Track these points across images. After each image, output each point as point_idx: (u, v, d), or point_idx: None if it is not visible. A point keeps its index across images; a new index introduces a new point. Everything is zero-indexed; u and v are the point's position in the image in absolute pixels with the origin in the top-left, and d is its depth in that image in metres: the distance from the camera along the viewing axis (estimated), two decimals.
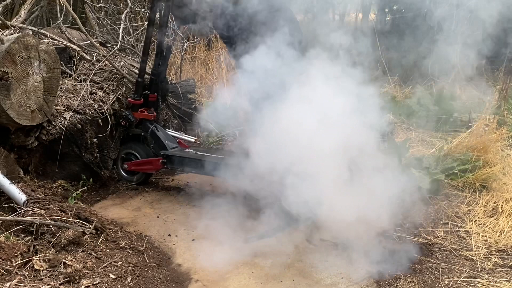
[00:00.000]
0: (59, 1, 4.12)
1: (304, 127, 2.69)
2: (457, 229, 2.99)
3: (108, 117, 3.51)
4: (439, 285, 2.40)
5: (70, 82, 3.62)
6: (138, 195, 3.45)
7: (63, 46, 3.80)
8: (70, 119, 3.25)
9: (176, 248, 2.72)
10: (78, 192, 3.20)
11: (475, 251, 2.73)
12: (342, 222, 2.64)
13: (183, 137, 3.82)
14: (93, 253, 2.40)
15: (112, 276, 2.29)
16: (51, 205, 2.59)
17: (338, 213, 2.64)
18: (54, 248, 2.34)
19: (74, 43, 3.89)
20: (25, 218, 2.44)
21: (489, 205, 3.20)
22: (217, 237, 2.84)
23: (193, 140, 3.88)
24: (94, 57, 3.92)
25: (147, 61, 3.50)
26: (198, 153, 3.42)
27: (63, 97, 3.39)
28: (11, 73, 2.77)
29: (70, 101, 3.40)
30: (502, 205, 3.15)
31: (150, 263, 2.51)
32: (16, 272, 2.14)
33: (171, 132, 3.82)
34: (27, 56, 2.88)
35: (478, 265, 2.59)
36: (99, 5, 4.90)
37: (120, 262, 2.41)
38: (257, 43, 2.88)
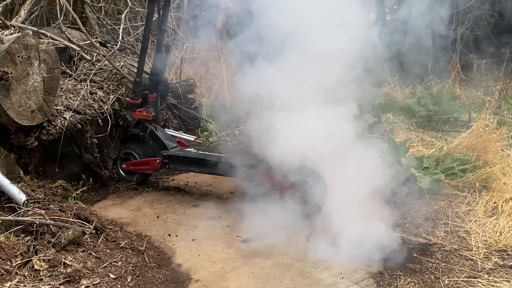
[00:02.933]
0: (59, 1, 4.12)
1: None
2: (457, 229, 2.99)
3: (108, 117, 3.50)
4: (439, 285, 2.40)
5: (70, 82, 3.62)
6: (138, 195, 3.45)
7: (63, 46, 3.80)
8: (70, 119, 3.25)
9: (176, 248, 2.72)
10: (78, 192, 3.20)
11: (475, 251, 2.73)
12: None
13: (182, 136, 3.81)
14: (93, 253, 2.40)
15: (112, 276, 2.29)
16: (51, 205, 2.59)
17: None
18: (54, 248, 2.34)
19: (74, 43, 3.89)
20: (25, 218, 2.44)
21: (489, 205, 3.20)
22: (217, 237, 2.84)
23: (193, 139, 3.87)
24: (94, 57, 3.91)
25: (144, 60, 3.49)
26: (200, 152, 3.41)
27: (63, 97, 3.39)
28: (11, 73, 2.77)
29: (70, 101, 3.39)
30: (502, 205, 3.15)
31: (150, 263, 2.51)
32: (16, 272, 2.14)
33: (170, 131, 3.81)
34: (27, 56, 2.88)
35: (478, 265, 2.59)
36: (99, 5, 4.90)
37: (120, 262, 2.41)
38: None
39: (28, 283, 2.10)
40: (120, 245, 2.56)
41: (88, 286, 2.18)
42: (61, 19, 4.00)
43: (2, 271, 2.11)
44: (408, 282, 2.42)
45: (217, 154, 3.36)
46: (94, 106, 3.47)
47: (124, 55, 4.29)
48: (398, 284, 2.41)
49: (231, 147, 3.67)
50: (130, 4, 4.69)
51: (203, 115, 4.75)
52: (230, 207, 3.22)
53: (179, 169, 3.65)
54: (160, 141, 3.44)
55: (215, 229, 2.93)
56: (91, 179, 3.41)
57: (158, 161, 3.38)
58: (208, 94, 5.44)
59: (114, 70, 3.81)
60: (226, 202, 3.32)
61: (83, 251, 2.39)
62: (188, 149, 3.50)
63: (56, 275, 2.17)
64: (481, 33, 7.16)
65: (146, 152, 3.49)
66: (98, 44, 4.05)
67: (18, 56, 2.82)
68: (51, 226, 2.41)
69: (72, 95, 3.46)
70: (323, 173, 2.95)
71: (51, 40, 3.72)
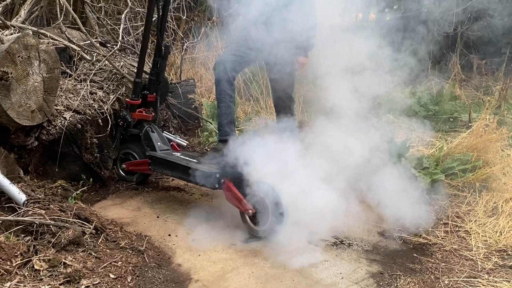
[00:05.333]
0: (59, 1, 4.12)
1: None
2: (457, 229, 3.00)
3: (108, 117, 3.50)
4: (439, 285, 2.40)
5: (70, 82, 3.62)
6: (138, 195, 3.45)
7: (63, 46, 3.80)
8: (70, 119, 3.25)
9: (176, 248, 2.72)
10: (78, 192, 3.20)
11: (475, 251, 2.73)
12: None
13: (176, 140, 3.80)
14: (93, 253, 2.40)
15: (112, 276, 2.29)
16: (51, 205, 2.59)
17: None
18: (54, 248, 2.34)
19: (74, 43, 3.89)
20: (25, 218, 2.44)
21: (489, 205, 3.21)
22: (217, 237, 2.84)
23: (185, 144, 3.85)
24: (94, 57, 3.91)
25: (144, 61, 3.49)
26: (181, 156, 3.30)
27: (63, 97, 3.39)
28: (11, 73, 2.77)
29: (70, 101, 3.40)
30: (502, 205, 3.15)
31: (150, 263, 2.51)
32: (16, 272, 2.14)
33: (167, 134, 3.79)
34: (27, 56, 2.88)
35: (478, 265, 2.59)
36: (99, 5, 4.90)
37: (120, 262, 2.41)
38: None
39: (28, 283, 2.10)
40: (120, 245, 2.56)
41: (88, 286, 2.18)
42: (61, 19, 4.00)
43: (2, 271, 2.11)
44: (408, 282, 2.42)
45: (190, 159, 3.22)
46: (94, 106, 3.47)
47: (124, 55, 4.29)
48: (398, 284, 2.41)
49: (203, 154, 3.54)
50: (130, 4, 4.69)
51: (203, 115, 4.75)
52: (230, 207, 3.22)
53: (157, 171, 3.48)
54: (151, 142, 3.40)
55: (215, 229, 2.93)
56: (91, 179, 3.41)
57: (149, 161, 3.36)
58: (208, 94, 5.44)
59: (114, 70, 3.81)
60: (226, 202, 3.31)
61: (83, 251, 2.39)
62: (173, 153, 3.42)
63: (56, 275, 2.17)
64: (481, 33, 7.16)
65: (145, 152, 3.48)
66: (98, 44, 4.05)
67: (18, 56, 2.82)
68: (51, 226, 2.41)
69: (72, 95, 3.46)
70: (282, 192, 2.72)
71: (51, 40, 3.72)
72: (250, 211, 2.80)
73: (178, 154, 3.40)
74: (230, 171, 2.90)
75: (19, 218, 2.45)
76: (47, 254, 2.25)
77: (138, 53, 4.07)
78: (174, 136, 3.91)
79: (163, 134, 3.66)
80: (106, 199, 3.37)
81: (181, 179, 3.27)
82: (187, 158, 3.25)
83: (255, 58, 3.29)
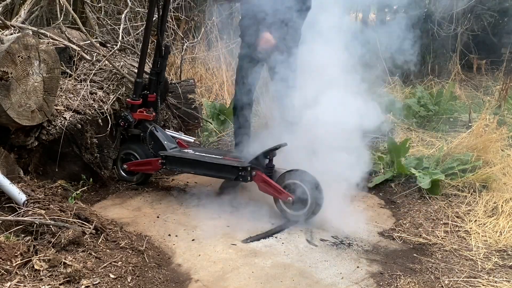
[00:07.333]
0: (59, 1, 4.11)
1: None
2: (457, 229, 3.00)
3: (108, 117, 3.50)
4: (439, 285, 2.40)
5: (70, 82, 3.62)
6: (138, 195, 3.45)
7: (63, 46, 3.80)
8: (70, 119, 3.25)
9: (176, 248, 2.72)
10: (78, 192, 3.20)
11: (475, 251, 2.73)
12: None
13: (182, 137, 3.80)
14: (93, 253, 2.40)
15: (112, 276, 2.29)
16: (51, 205, 2.59)
17: None
18: (54, 248, 2.33)
19: (74, 43, 3.89)
20: (25, 218, 2.44)
21: (489, 205, 3.21)
22: (217, 237, 2.84)
23: (192, 140, 3.86)
24: (94, 57, 3.91)
25: (145, 61, 3.49)
26: (197, 153, 3.38)
27: (63, 97, 3.39)
28: (11, 73, 2.77)
29: (70, 101, 3.39)
30: (502, 205, 3.15)
31: (150, 263, 2.51)
32: (16, 272, 2.14)
33: (170, 132, 3.80)
34: (27, 56, 2.88)
35: (478, 265, 2.59)
36: (99, 5, 4.90)
37: (120, 262, 2.41)
38: None
39: (28, 283, 2.10)
40: (120, 245, 2.56)
41: (88, 286, 2.18)
42: (61, 19, 3.99)
43: (2, 271, 2.11)
44: (408, 282, 2.42)
45: (213, 155, 3.31)
46: (94, 106, 3.47)
47: (124, 55, 4.29)
48: (398, 284, 2.41)
49: (228, 149, 3.65)
50: (130, 4, 4.68)
51: (203, 115, 4.75)
52: (230, 207, 3.22)
53: (175, 170, 3.60)
54: (159, 141, 3.42)
55: (215, 229, 2.93)
56: (91, 179, 3.41)
57: (160, 161, 3.37)
58: (208, 94, 5.45)
59: (114, 70, 3.80)
60: (226, 202, 3.32)
61: (83, 251, 2.39)
62: (186, 150, 3.46)
63: (56, 275, 2.17)
64: (481, 33, 7.16)
65: (147, 152, 3.49)
66: (98, 44, 4.05)
67: (18, 56, 2.82)
68: (51, 226, 2.41)
69: (72, 95, 3.46)
70: (317, 177, 2.89)
71: (51, 40, 3.72)
72: (290, 198, 2.93)
73: (191, 151, 3.45)
74: (261, 162, 3.04)
75: (19, 218, 2.45)
76: (47, 254, 2.25)
77: (138, 53, 4.07)
78: (178, 133, 3.92)
79: (167, 132, 3.67)
80: (106, 199, 3.37)
81: (206, 175, 3.35)
82: (209, 154, 3.35)
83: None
